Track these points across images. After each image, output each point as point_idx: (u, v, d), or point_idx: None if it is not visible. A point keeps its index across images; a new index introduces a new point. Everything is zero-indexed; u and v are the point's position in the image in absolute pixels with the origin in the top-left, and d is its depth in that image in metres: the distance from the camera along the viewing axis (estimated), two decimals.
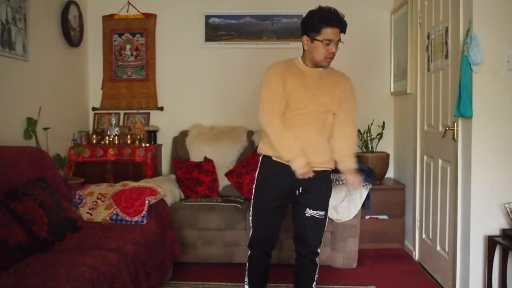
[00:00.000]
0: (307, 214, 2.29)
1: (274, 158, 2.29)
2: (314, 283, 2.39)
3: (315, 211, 2.29)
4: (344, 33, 2.29)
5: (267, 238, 2.38)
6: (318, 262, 2.38)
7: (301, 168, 2.17)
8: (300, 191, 2.30)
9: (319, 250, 2.38)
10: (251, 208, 2.40)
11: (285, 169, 2.23)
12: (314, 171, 2.22)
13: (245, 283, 2.46)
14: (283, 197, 2.33)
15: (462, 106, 2.49)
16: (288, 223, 2.47)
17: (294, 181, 2.25)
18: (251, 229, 2.40)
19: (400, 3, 3.82)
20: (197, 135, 3.99)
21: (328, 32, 2.21)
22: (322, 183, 2.34)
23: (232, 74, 4.18)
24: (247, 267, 2.45)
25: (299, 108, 2.25)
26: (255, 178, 2.39)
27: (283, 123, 2.23)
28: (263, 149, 2.34)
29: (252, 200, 2.40)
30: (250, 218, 2.40)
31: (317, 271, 2.39)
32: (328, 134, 2.33)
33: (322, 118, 2.29)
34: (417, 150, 3.47)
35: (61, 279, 1.78)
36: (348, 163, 2.34)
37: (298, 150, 2.20)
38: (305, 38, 2.26)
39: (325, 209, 2.34)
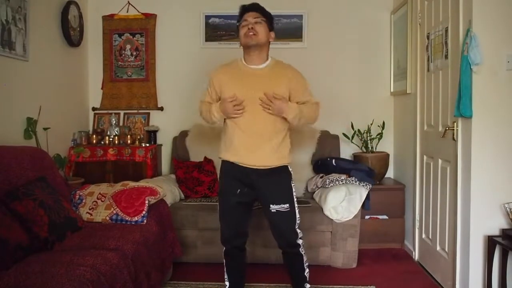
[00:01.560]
0: (272, 210, 2.40)
1: (225, 159, 2.47)
2: (307, 271, 2.49)
3: (278, 205, 2.39)
4: (265, 16, 2.40)
5: (234, 233, 2.52)
6: (303, 252, 2.46)
7: (224, 109, 2.35)
8: (254, 191, 2.41)
9: (299, 242, 2.44)
10: (218, 208, 2.55)
11: (232, 168, 2.42)
12: (261, 169, 2.37)
13: (225, 279, 2.59)
14: (241, 195, 2.43)
15: (462, 106, 2.49)
16: None
17: (247, 181, 2.40)
18: (220, 226, 2.56)
19: (400, 3, 3.82)
20: (197, 135, 3.99)
21: (244, 17, 2.40)
22: (276, 178, 2.41)
23: None
24: (224, 264, 2.59)
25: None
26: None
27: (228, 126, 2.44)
28: (219, 152, 2.53)
29: (218, 201, 2.56)
30: (218, 216, 2.55)
31: (304, 260, 2.47)
32: (280, 134, 2.41)
33: (265, 119, 2.35)
34: (417, 150, 3.48)
35: (61, 279, 1.78)
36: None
37: (214, 106, 2.42)
38: None
39: (289, 201, 2.41)
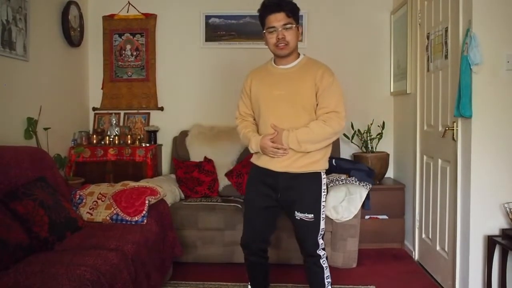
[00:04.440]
0: (297, 217, 2.26)
1: (253, 163, 2.38)
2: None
3: (303, 214, 2.25)
4: (292, 15, 2.21)
5: (254, 237, 2.39)
6: (324, 265, 2.29)
7: (261, 148, 2.24)
8: (279, 196, 2.30)
9: (320, 253, 2.28)
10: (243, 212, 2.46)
11: (260, 172, 2.31)
12: (288, 174, 2.25)
13: (249, 283, 2.51)
14: (266, 198, 2.32)
15: (462, 106, 2.49)
16: (287, 224, 2.48)
17: (273, 185, 2.29)
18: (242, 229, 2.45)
19: (400, 3, 3.82)
20: (197, 135, 3.99)
21: (269, 20, 2.21)
22: (305, 184, 2.26)
23: (232, 74, 4.18)
24: (246, 268, 2.49)
25: (267, 111, 2.28)
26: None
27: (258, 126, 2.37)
28: (252, 157, 2.43)
29: (244, 204, 2.47)
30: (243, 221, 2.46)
31: (325, 275, 2.28)
32: None
33: (292, 120, 2.23)
34: (417, 150, 3.48)
35: (61, 279, 1.78)
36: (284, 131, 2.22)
37: (253, 135, 2.30)
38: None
39: (314, 211, 2.25)
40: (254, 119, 2.41)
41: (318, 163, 2.27)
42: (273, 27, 2.19)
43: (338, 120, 2.21)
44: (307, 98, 2.23)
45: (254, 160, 2.39)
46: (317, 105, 2.24)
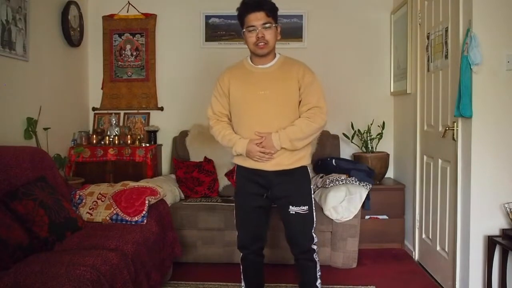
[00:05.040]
0: (291, 212, 2.29)
1: (241, 164, 2.36)
2: (319, 281, 2.36)
3: (298, 207, 2.29)
4: (272, 15, 2.22)
5: (252, 238, 2.40)
6: (316, 259, 2.35)
7: (247, 152, 2.24)
8: (271, 193, 2.31)
9: (314, 247, 2.34)
10: (234, 213, 2.45)
11: (248, 172, 2.32)
12: (277, 171, 2.26)
13: (242, 286, 2.48)
14: (259, 198, 2.33)
15: (462, 106, 2.49)
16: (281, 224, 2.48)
17: (265, 184, 2.30)
18: (237, 232, 2.43)
19: (400, 3, 3.83)
20: (197, 135, 3.99)
21: (249, 19, 2.22)
22: (295, 179, 2.31)
23: None
24: (241, 269, 2.48)
25: (250, 111, 2.26)
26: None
27: (235, 125, 2.34)
28: (232, 156, 2.41)
29: (234, 205, 2.45)
30: (235, 221, 2.44)
31: (317, 268, 2.36)
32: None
33: (277, 117, 2.24)
34: (417, 150, 3.48)
35: (61, 279, 1.78)
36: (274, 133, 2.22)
37: (238, 138, 2.27)
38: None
39: (308, 203, 2.31)
40: (229, 119, 2.39)
41: (304, 158, 2.34)
42: (253, 26, 2.20)
43: (321, 115, 2.27)
44: (291, 96, 2.27)
45: (239, 161, 2.37)
46: (299, 102, 2.29)
